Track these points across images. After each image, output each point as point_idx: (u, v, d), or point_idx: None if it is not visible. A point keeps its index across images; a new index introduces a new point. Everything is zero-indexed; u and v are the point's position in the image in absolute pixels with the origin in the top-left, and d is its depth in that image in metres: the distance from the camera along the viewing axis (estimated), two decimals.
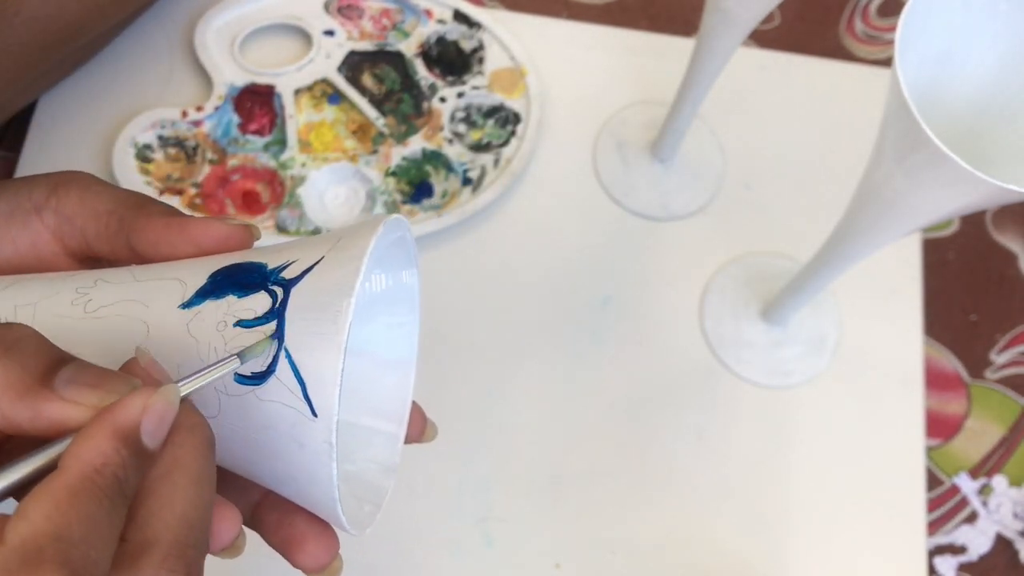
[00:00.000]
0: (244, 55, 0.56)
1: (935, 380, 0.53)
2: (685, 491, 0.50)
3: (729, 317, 0.53)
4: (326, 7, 0.58)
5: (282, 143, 0.54)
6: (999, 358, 0.54)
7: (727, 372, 0.52)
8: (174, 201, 0.52)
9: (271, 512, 0.27)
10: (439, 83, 0.56)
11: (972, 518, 0.51)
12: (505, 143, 0.55)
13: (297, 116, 0.55)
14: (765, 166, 0.57)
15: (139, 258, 0.28)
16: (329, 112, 0.55)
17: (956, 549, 0.50)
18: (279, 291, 0.24)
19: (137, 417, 0.21)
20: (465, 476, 0.49)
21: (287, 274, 0.24)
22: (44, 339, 0.22)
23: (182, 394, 0.22)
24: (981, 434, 0.52)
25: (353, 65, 0.57)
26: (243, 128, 0.54)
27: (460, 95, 0.56)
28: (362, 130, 0.55)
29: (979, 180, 0.29)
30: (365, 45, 0.57)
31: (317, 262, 0.24)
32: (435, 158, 0.55)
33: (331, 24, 0.57)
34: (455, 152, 0.55)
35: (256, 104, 0.55)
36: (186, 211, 0.52)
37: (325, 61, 0.56)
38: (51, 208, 0.28)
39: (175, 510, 0.21)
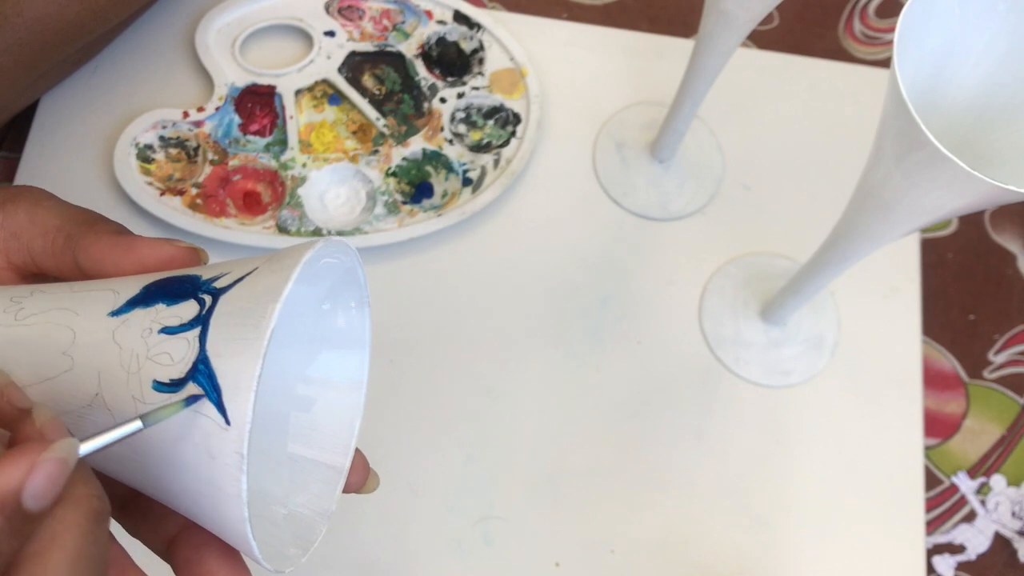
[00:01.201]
0: (245, 56, 0.57)
1: (934, 380, 0.53)
2: (684, 490, 0.50)
3: (728, 317, 0.53)
4: (327, 8, 0.58)
5: (283, 143, 0.54)
6: (997, 358, 0.54)
7: (726, 372, 0.52)
8: (175, 201, 0.52)
9: (184, 548, 0.26)
10: (439, 84, 0.57)
11: (970, 517, 0.51)
12: (505, 143, 0.55)
13: (298, 116, 0.55)
14: (764, 166, 0.57)
15: (84, 275, 0.27)
16: (330, 113, 0.55)
17: (954, 548, 0.50)
18: (208, 299, 0.24)
19: (16, 482, 0.19)
20: (465, 476, 0.50)
21: (219, 284, 0.24)
22: None
23: (81, 453, 0.21)
24: (979, 433, 0.53)
25: (354, 66, 0.57)
26: (244, 128, 0.55)
27: (460, 96, 0.56)
28: (363, 130, 0.55)
29: (977, 180, 0.29)
30: (365, 46, 0.57)
31: (249, 272, 0.24)
32: (435, 158, 0.55)
33: (332, 25, 0.57)
34: (455, 152, 0.55)
35: (257, 105, 0.55)
36: (187, 211, 0.52)
37: (326, 62, 0.56)
38: None
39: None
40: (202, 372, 0.23)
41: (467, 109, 0.56)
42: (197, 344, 0.23)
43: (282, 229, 0.52)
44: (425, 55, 0.57)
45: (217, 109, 0.54)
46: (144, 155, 0.53)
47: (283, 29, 0.58)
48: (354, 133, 0.55)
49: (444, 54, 0.57)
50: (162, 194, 0.52)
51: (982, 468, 0.52)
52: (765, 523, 0.50)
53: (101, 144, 0.54)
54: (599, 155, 0.56)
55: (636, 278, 0.54)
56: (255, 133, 0.55)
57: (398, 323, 0.52)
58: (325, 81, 0.56)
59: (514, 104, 0.56)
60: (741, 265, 0.54)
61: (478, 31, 0.58)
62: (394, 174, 0.54)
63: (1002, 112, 0.36)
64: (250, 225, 0.52)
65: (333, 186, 0.54)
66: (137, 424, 0.22)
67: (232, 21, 0.57)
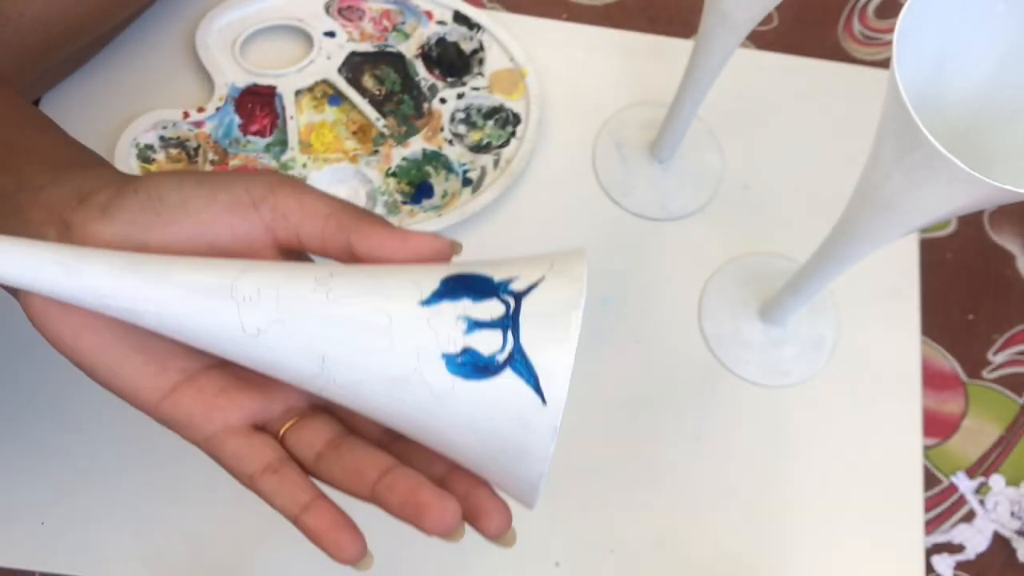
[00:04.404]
0: (245, 56, 0.57)
1: (933, 380, 0.53)
2: (684, 490, 0.50)
3: (728, 317, 0.53)
4: (327, 8, 0.58)
5: (283, 144, 0.54)
6: (996, 358, 0.54)
7: (726, 372, 0.52)
8: None
9: (458, 483, 0.31)
10: (439, 84, 0.57)
11: (969, 517, 0.51)
12: (505, 144, 0.55)
13: (298, 117, 0.55)
14: (764, 166, 0.57)
15: (355, 259, 0.30)
16: (330, 113, 0.56)
17: (953, 548, 0.50)
18: (511, 300, 0.28)
19: None
20: None
21: (514, 287, 0.28)
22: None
23: None
24: (978, 433, 0.53)
25: (354, 66, 0.57)
26: (244, 129, 0.55)
27: (460, 96, 0.56)
28: (362, 131, 0.55)
29: (976, 180, 0.29)
30: (365, 46, 0.57)
31: (540, 280, 0.29)
32: (435, 159, 0.55)
33: (332, 25, 0.57)
34: (455, 153, 0.55)
35: (257, 105, 0.55)
36: None
37: (326, 62, 0.56)
38: (269, 204, 0.30)
39: None
40: (519, 361, 0.27)
41: (467, 109, 0.56)
42: (512, 338, 0.27)
43: None
44: (425, 55, 0.57)
45: (217, 109, 0.54)
46: (144, 155, 0.53)
47: (283, 29, 0.58)
48: (354, 133, 0.55)
49: (444, 54, 0.58)
50: None
51: (981, 468, 0.52)
52: (765, 523, 0.50)
53: (101, 144, 0.54)
54: (599, 155, 0.56)
55: (636, 278, 0.54)
56: (255, 133, 0.55)
57: None
58: (325, 81, 0.56)
59: (514, 104, 0.56)
60: (741, 265, 0.54)
61: (478, 31, 0.58)
62: (394, 174, 0.54)
63: (1001, 112, 0.36)
64: None
65: (333, 186, 0.54)
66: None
67: (233, 21, 0.57)
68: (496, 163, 0.55)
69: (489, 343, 0.28)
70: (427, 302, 0.28)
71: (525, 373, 0.27)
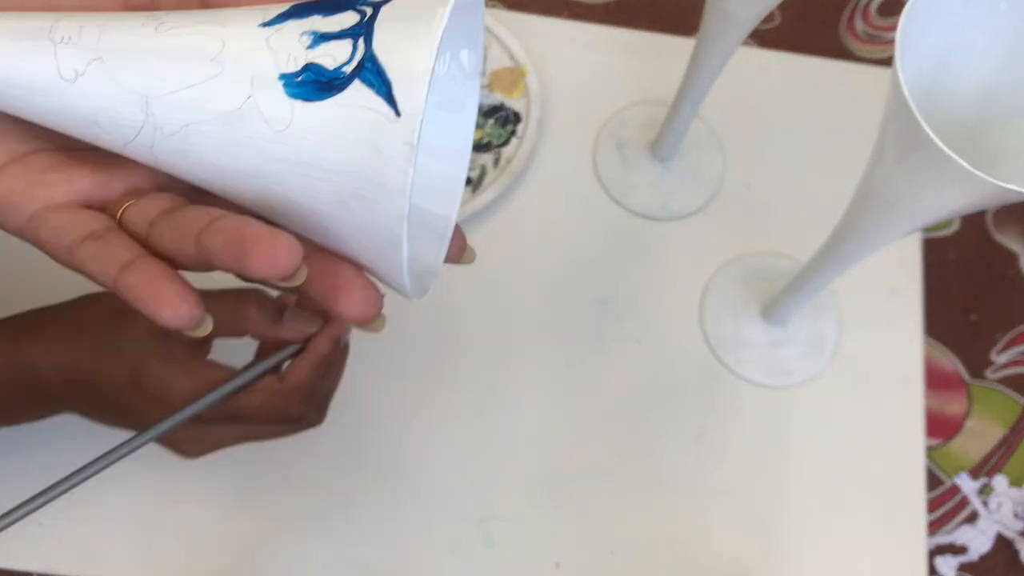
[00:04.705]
0: None
1: (935, 380, 0.53)
2: (685, 491, 0.50)
3: (729, 317, 0.53)
4: None
5: None
6: (999, 358, 0.54)
7: (727, 372, 0.52)
8: None
9: (316, 262, 0.26)
10: None
11: (972, 518, 0.51)
12: (505, 143, 0.55)
13: None
14: (765, 165, 0.57)
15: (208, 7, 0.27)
16: None
17: (956, 549, 0.50)
18: (368, 9, 0.23)
19: (341, 334, 0.40)
20: (465, 476, 0.49)
21: None
22: (271, 299, 0.38)
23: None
24: (981, 434, 0.52)
25: None
26: None
27: None
28: None
29: (979, 180, 0.29)
30: None
31: None
32: None
33: None
34: None
35: None
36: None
37: None
38: None
39: (331, 384, 0.42)
40: (369, 69, 0.22)
41: None
42: (363, 45, 0.23)
43: None
44: None
45: None
46: None
47: None
48: None
49: None
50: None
51: (984, 469, 0.52)
52: (766, 523, 0.50)
53: None
54: (599, 154, 0.56)
55: (636, 278, 0.54)
56: None
57: (398, 323, 0.52)
58: None
59: (514, 103, 0.56)
60: (742, 265, 0.54)
61: None
62: None
63: (1004, 111, 0.36)
64: None
65: None
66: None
67: None
68: (496, 162, 0.54)
69: (336, 55, 0.23)
70: (269, 23, 0.24)
71: (375, 81, 0.22)
